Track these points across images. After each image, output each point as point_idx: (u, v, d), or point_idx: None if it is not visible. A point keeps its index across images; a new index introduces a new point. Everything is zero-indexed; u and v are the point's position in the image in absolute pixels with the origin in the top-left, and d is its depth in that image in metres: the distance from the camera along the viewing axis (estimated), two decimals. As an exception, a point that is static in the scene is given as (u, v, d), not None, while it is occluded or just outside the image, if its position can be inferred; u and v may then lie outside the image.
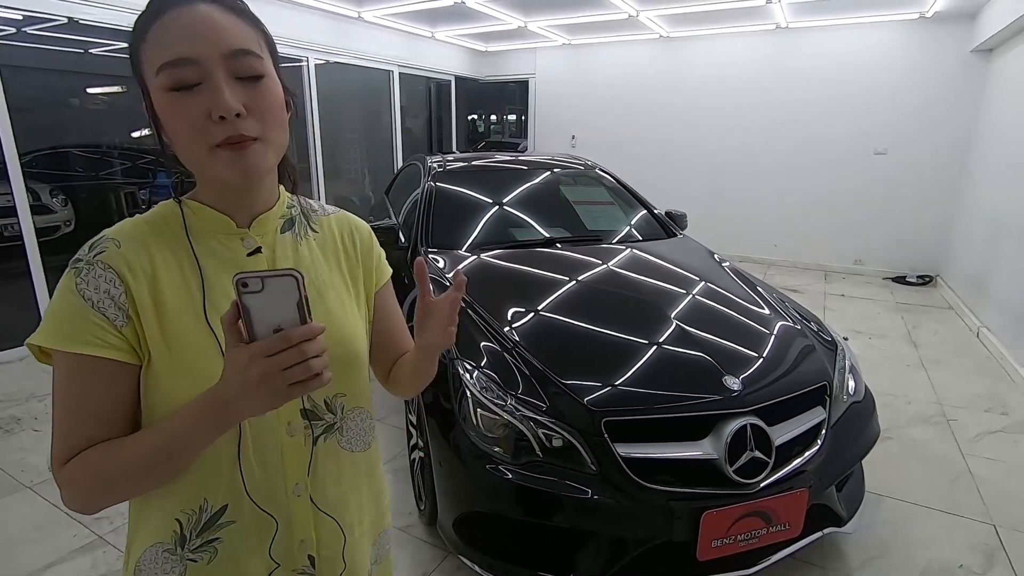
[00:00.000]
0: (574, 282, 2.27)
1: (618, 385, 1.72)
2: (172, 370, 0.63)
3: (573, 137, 7.21)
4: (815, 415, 1.76)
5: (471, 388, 1.74)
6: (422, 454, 2.01)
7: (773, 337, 1.98)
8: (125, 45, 0.66)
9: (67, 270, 0.63)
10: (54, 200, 4.92)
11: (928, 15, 4.99)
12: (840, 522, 1.80)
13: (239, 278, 0.54)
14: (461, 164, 3.28)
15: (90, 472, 0.61)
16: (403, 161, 5.68)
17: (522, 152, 6.17)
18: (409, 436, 2.29)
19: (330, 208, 0.85)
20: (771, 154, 6.02)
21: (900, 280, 5.52)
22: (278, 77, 0.69)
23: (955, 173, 5.23)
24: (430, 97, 7.68)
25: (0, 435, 2.73)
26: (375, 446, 0.84)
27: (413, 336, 0.83)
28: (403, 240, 2.82)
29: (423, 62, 6.70)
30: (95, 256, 0.64)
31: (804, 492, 1.60)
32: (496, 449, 1.65)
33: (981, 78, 4.95)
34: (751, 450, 1.58)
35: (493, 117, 9.29)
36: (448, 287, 2.45)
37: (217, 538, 0.68)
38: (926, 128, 5.28)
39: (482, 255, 2.55)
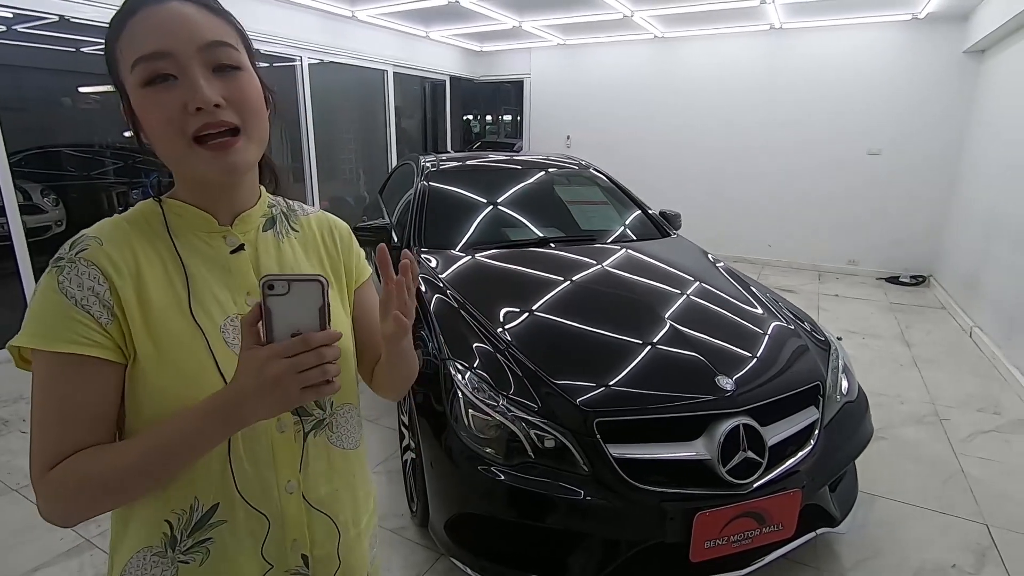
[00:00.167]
0: (567, 282, 2.27)
1: (611, 385, 1.71)
2: (159, 368, 0.62)
3: (568, 137, 7.21)
4: (808, 415, 1.76)
5: (463, 389, 1.73)
6: (414, 455, 1.99)
7: (766, 337, 1.98)
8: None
9: (48, 269, 0.62)
10: (45, 200, 4.88)
11: (921, 16, 5.02)
12: (833, 522, 1.79)
13: (266, 280, 0.55)
14: (454, 164, 3.27)
15: (79, 476, 0.59)
16: (397, 161, 5.66)
17: (517, 152, 6.17)
18: (401, 437, 2.28)
19: (309, 208, 0.85)
20: (765, 154, 6.04)
21: (893, 280, 5.54)
22: (256, 73, 0.68)
23: (948, 174, 5.25)
24: (425, 97, 7.66)
25: (-13, 437, 2.70)
26: (364, 445, 0.84)
27: None
28: (396, 240, 2.80)
29: (417, 62, 6.69)
30: (77, 254, 0.63)
31: (797, 492, 1.60)
32: (488, 450, 1.64)
33: (973, 79, 4.98)
34: (744, 450, 1.57)
35: (488, 117, 9.29)
36: (440, 285, 2.42)
37: (209, 538, 0.67)
38: (919, 129, 5.30)
39: (475, 255, 2.54)
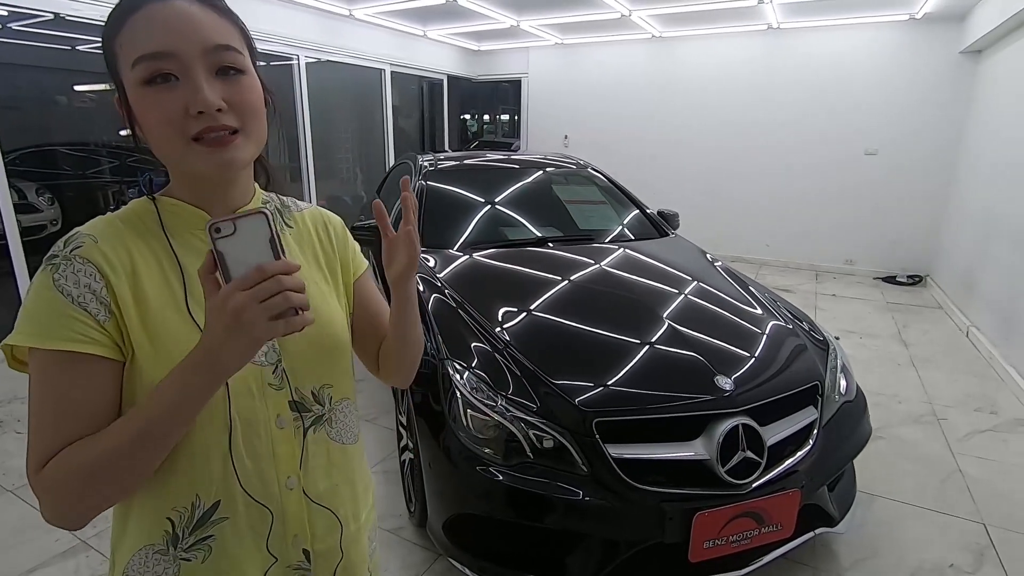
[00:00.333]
0: (566, 282, 2.26)
1: (609, 385, 1.70)
2: (156, 366, 0.62)
3: (566, 137, 7.20)
4: (807, 415, 1.76)
5: (461, 389, 1.72)
6: (412, 455, 1.98)
7: (765, 337, 1.98)
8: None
9: (42, 267, 0.62)
10: (40, 199, 4.86)
11: (918, 16, 5.03)
12: (832, 522, 1.79)
13: (212, 224, 0.55)
14: (452, 163, 3.26)
15: (70, 467, 0.58)
16: (395, 161, 5.65)
17: (515, 152, 6.16)
18: (399, 437, 2.27)
19: (303, 204, 0.85)
20: (763, 154, 6.04)
21: (890, 280, 5.55)
22: (256, 73, 0.68)
23: (945, 174, 5.26)
24: (422, 96, 7.65)
25: (-18, 438, 2.68)
26: (362, 439, 0.84)
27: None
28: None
29: (415, 61, 6.67)
30: (72, 251, 0.62)
31: (796, 492, 1.60)
32: (486, 450, 1.63)
33: (970, 79, 4.99)
34: (743, 450, 1.57)
35: (486, 117, 9.28)
36: (438, 285, 2.41)
37: (211, 535, 0.67)
38: (916, 129, 5.31)
39: (473, 254, 2.53)
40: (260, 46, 0.72)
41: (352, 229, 0.92)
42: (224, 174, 0.66)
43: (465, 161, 3.37)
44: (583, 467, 1.56)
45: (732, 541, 1.56)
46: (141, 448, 0.58)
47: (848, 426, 1.87)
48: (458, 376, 1.76)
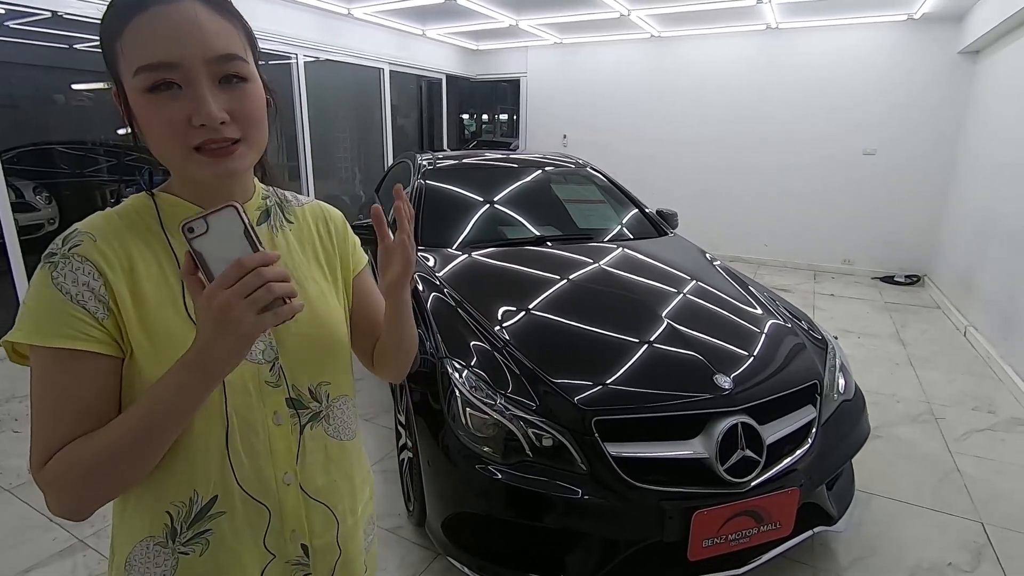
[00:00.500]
0: (565, 281, 2.26)
1: (609, 384, 1.70)
2: (154, 364, 0.62)
3: (564, 136, 7.20)
4: (806, 414, 1.76)
5: (460, 387, 1.72)
6: (411, 454, 1.98)
7: (764, 336, 1.98)
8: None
9: (41, 265, 0.62)
10: (38, 198, 4.84)
11: (916, 17, 5.03)
12: (830, 521, 1.79)
13: (184, 224, 0.55)
14: (451, 162, 3.26)
15: (71, 463, 0.59)
16: (393, 160, 5.65)
17: (514, 151, 6.16)
18: (398, 436, 2.27)
19: (303, 198, 0.85)
20: (762, 154, 6.05)
21: (888, 280, 5.56)
22: (259, 74, 0.68)
23: (943, 174, 5.27)
24: (421, 96, 7.64)
25: (-21, 437, 2.67)
26: (360, 435, 0.84)
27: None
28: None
29: (414, 60, 6.66)
30: (70, 249, 0.62)
31: (795, 491, 1.60)
32: (485, 449, 1.63)
33: (968, 79, 5.00)
34: (742, 449, 1.57)
35: (485, 116, 9.28)
36: (437, 284, 2.41)
37: (208, 529, 0.67)
38: (914, 129, 5.32)
39: (472, 253, 2.53)
40: (259, 45, 0.71)
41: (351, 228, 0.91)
42: (224, 182, 0.67)
43: (464, 160, 3.36)
44: (582, 466, 1.56)
45: (731, 540, 1.56)
46: (139, 446, 0.59)
47: (847, 425, 1.87)
48: (457, 375, 1.76)
